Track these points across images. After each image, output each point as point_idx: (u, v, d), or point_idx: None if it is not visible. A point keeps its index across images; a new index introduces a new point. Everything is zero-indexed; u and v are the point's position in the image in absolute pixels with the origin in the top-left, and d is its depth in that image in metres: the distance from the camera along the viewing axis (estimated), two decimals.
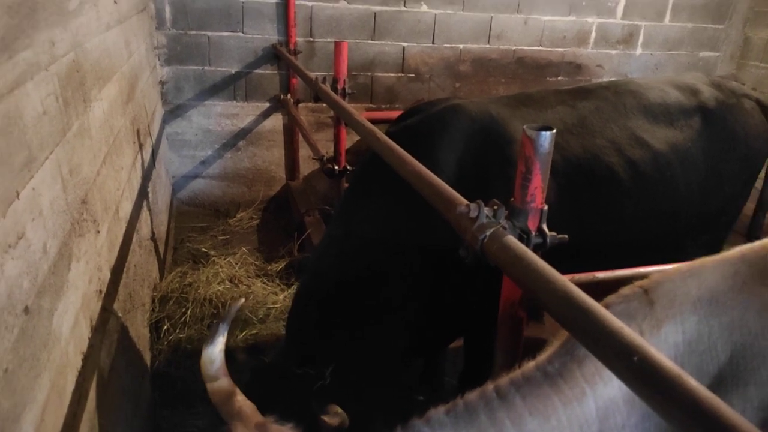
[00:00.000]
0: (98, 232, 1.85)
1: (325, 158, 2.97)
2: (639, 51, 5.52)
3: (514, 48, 5.15)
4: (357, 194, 2.08)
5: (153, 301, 2.81)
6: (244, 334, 2.74)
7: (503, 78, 5.19)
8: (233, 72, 4.56)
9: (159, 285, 2.99)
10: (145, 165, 3.15)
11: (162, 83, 4.39)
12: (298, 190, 4.64)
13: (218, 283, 3.01)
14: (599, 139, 2.25)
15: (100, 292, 1.81)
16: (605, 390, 0.97)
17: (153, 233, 3.12)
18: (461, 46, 5.00)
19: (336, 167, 2.86)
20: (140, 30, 3.52)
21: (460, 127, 2.05)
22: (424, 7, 4.79)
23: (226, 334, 1.34)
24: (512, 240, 1.09)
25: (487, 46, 5.07)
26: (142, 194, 2.92)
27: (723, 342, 0.98)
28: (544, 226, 1.19)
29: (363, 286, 1.85)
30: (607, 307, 1.01)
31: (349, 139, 3.67)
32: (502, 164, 2.02)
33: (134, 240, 2.54)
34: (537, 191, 1.15)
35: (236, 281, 3.10)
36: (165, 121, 4.44)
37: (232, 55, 4.52)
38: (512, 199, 1.19)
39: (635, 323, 1.00)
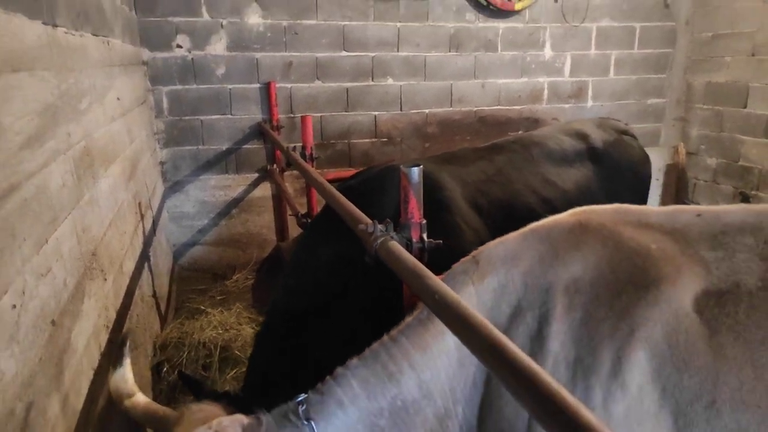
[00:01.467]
0: (105, 279, 2.31)
1: (299, 214, 3.45)
2: (590, 103, 6.12)
3: (474, 109, 5.76)
4: (310, 236, 2.55)
5: (154, 347, 3.22)
6: (234, 371, 3.12)
7: (468, 135, 5.76)
8: (224, 149, 5.15)
9: (160, 335, 3.40)
10: (146, 232, 3.64)
11: (162, 163, 4.97)
12: (288, 250, 5.09)
13: (211, 329, 3.42)
14: (516, 184, 2.73)
15: (107, 327, 2.24)
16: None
17: (155, 292, 3.57)
18: (427, 110, 5.61)
19: (308, 221, 3.34)
20: (141, 119, 4.11)
21: (394, 182, 2.53)
22: (390, 81, 5.43)
23: (129, 356, 1.64)
24: (395, 245, 1.54)
25: (450, 108, 5.68)
26: (144, 257, 3.39)
27: (519, 284, 1.41)
28: (425, 236, 1.64)
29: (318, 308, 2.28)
30: (451, 270, 1.45)
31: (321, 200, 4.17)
32: (431, 207, 2.47)
33: (137, 294, 2.98)
34: (414, 210, 1.61)
35: (227, 327, 3.51)
36: (165, 196, 4.98)
37: (222, 135, 5.12)
38: (400, 218, 1.65)
39: (468, 277, 1.43)
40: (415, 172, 1.59)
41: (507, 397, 1.31)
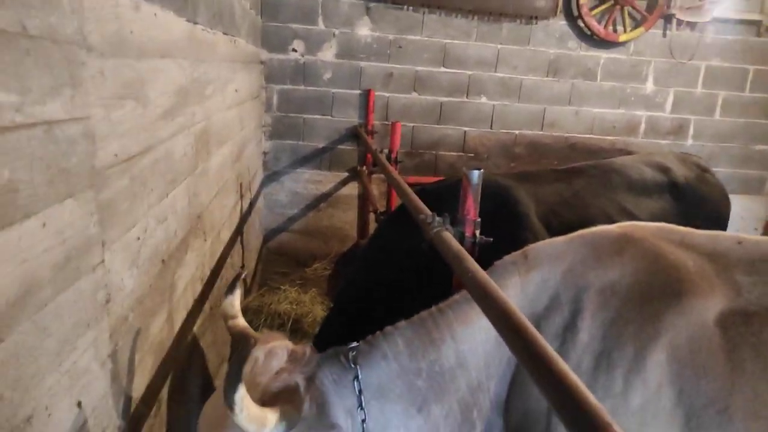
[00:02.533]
0: (205, 240, 2.69)
1: (378, 212, 3.73)
2: (690, 142, 5.94)
3: (566, 135, 5.80)
4: (383, 228, 2.82)
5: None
6: (301, 342, 3.43)
7: (556, 160, 5.79)
8: (321, 147, 5.57)
9: (242, 301, 3.81)
10: (243, 211, 4.07)
11: (264, 153, 5.47)
12: None
13: (287, 304, 3.77)
14: (591, 209, 2.82)
15: (202, 280, 2.62)
16: None
17: (243, 264, 3.98)
18: (516, 131, 5.73)
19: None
20: (252, 111, 4.60)
21: None
22: (483, 99, 5.62)
23: (240, 288, 1.88)
24: (448, 235, 1.75)
25: (541, 132, 5.76)
26: (238, 231, 3.81)
27: (559, 280, 1.56)
28: (477, 232, 1.84)
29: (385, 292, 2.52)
30: (502, 260, 1.64)
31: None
32: (506, 219, 2.63)
33: (228, 261, 3.38)
34: (471, 208, 1.82)
35: (301, 305, 3.85)
36: (263, 184, 5.47)
37: (321, 134, 5.55)
38: (458, 213, 1.86)
39: (516, 268, 1.60)
40: (475, 175, 1.80)
41: None
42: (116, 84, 1.49)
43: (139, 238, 1.67)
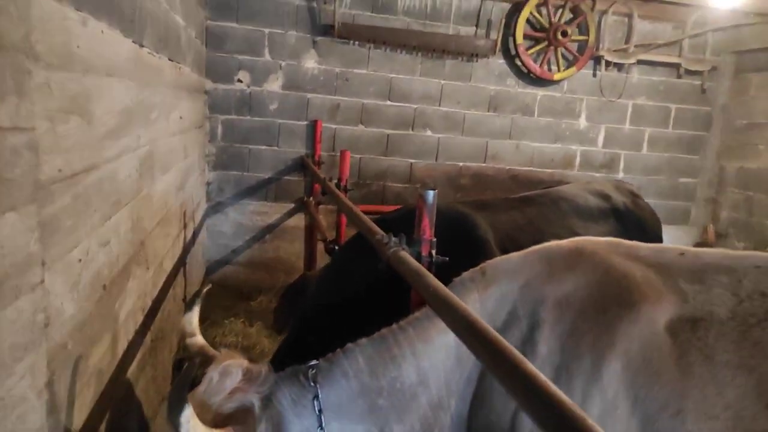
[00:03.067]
0: (147, 268, 2.58)
1: (327, 240, 3.70)
2: (621, 175, 6.28)
3: (507, 167, 6.00)
4: (339, 255, 2.79)
5: (178, 345, 3.45)
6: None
7: (499, 191, 5.95)
8: (266, 177, 5.51)
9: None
10: (186, 241, 3.93)
11: (208, 183, 5.35)
12: (314, 277, 5.32)
13: (233, 336, 3.64)
14: (546, 235, 2.91)
15: (143, 310, 2.49)
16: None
17: (185, 296, 3.83)
18: (461, 163, 5.89)
19: (336, 246, 3.58)
20: (196, 141, 4.50)
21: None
22: (428, 132, 5.75)
23: (200, 305, 1.81)
24: (405, 255, 1.75)
25: (484, 164, 5.94)
26: (181, 262, 3.67)
27: (517, 295, 1.59)
28: (433, 252, 1.85)
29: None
30: (461, 277, 1.65)
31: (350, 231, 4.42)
32: (467, 245, 2.65)
33: (170, 293, 3.24)
34: (426, 227, 1.83)
35: (248, 337, 3.71)
36: (207, 214, 5.33)
37: (266, 164, 5.49)
38: (413, 234, 1.87)
39: (474, 284, 1.62)
40: (430, 195, 1.82)
41: (497, 393, 1.47)
42: (62, 97, 1.43)
43: (80, 260, 1.58)
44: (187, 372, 1.22)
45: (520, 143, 5.97)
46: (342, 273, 2.67)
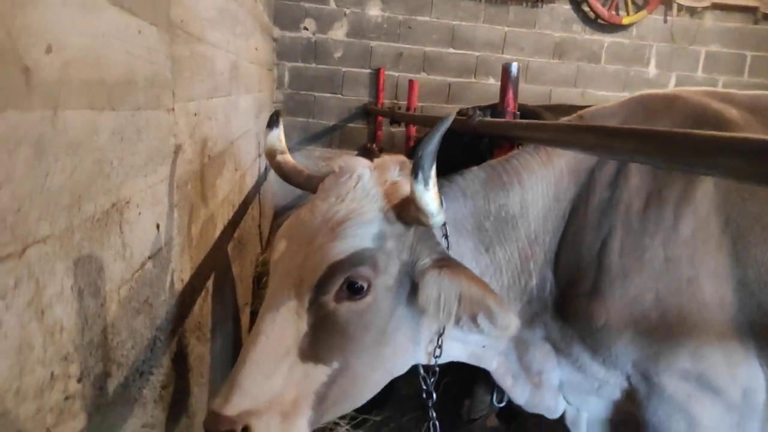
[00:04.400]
0: (236, 170, 2.74)
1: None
2: None
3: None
4: None
5: (256, 260, 3.66)
6: None
7: None
8: (331, 125, 5.66)
9: (261, 253, 3.85)
10: (260, 171, 4.12)
11: None
12: None
13: None
14: None
15: (233, 206, 2.66)
16: (560, 160, 1.59)
17: (260, 224, 4.02)
18: None
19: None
20: (268, 81, 4.68)
21: None
22: (491, 80, 5.74)
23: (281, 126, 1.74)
24: (491, 119, 1.82)
25: None
26: (257, 188, 3.86)
27: None
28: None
29: None
30: (558, 122, 1.69)
31: None
32: None
33: (248, 212, 3.42)
34: (510, 100, 1.90)
35: None
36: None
37: (331, 112, 5.64)
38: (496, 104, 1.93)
39: None
40: (514, 66, 1.88)
41: (590, 227, 1.52)
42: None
43: (196, 114, 1.73)
44: (440, 124, 1.14)
45: (585, 91, 5.87)
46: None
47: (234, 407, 1.15)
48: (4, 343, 0.67)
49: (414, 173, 1.14)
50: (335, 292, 1.25)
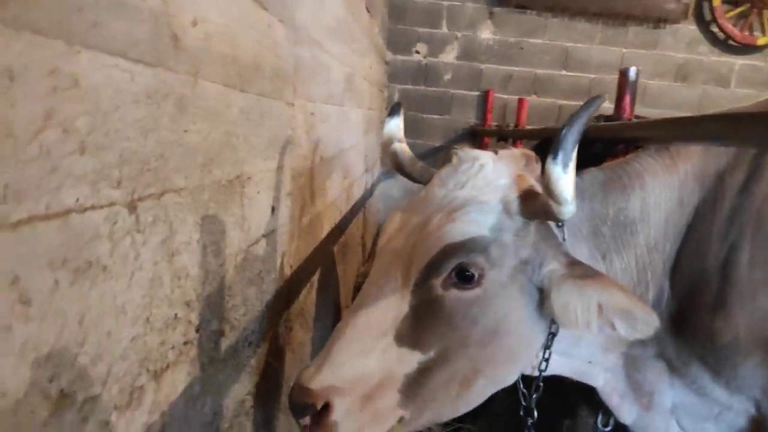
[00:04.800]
0: (345, 178, 2.85)
1: None
2: None
3: None
4: None
5: (356, 271, 3.74)
6: None
7: None
8: (437, 146, 5.71)
9: (361, 266, 3.94)
10: (366, 185, 4.25)
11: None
12: None
13: None
14: None
15: (340, 212, 2.76)
16: (686, 163, 1.49)
17: (363, 236, 4.12)
18: None
19: None
20: (379, 100, 4.84)
21: None
22: (606, 102, 5.50)
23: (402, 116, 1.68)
24: (607, 123, 1.75)
25: None
26: (362, 201, 3.97)
27: None
28: None
29: None
30: None
31: None
32: None
33: (353, 222, 3.52)
34: (626, 107, 1.81)
35: None
36: (379, 179, 5.67)
37: (438, 133, 5.70)
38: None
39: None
40: (633, 71, 1.80)
41: (716, 236, 1.40)
42: None
43: (312, 114, 1.84)
44: (588, 105, 1.08)
45: None
46: None
47: (320, 381, 1.12)
48: (139, 273, 0.75)
49: (554, 152, 1.05)
50: (444, 277, 1.19)
